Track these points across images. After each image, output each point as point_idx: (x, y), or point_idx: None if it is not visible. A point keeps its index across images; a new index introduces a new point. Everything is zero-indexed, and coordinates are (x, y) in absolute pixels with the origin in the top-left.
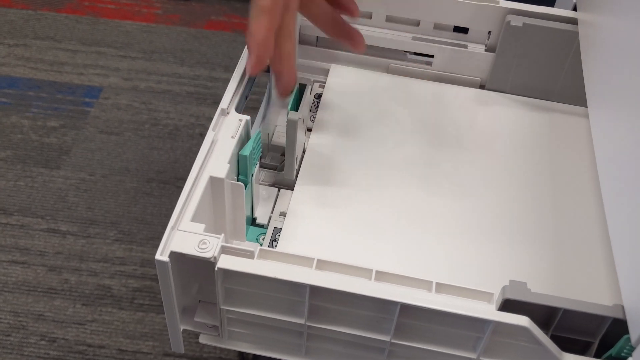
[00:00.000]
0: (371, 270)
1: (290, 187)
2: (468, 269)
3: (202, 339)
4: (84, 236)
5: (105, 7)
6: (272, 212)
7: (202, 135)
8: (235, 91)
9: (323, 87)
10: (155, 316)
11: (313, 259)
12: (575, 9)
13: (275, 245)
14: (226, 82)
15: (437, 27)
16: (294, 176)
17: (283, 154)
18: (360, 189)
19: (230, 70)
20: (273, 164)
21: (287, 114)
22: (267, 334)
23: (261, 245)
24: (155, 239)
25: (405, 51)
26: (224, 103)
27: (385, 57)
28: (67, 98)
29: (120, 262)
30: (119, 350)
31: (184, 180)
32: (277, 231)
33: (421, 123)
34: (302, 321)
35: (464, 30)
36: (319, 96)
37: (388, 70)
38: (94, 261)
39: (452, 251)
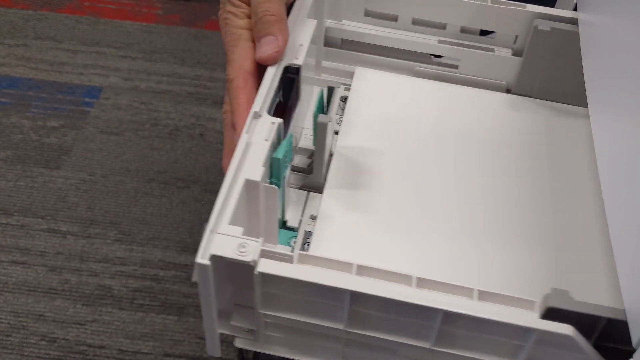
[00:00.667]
0: (411, 276)
1: (319, 190)
2: (508, 274)
3: (238, 343)
4: (84, 236)
5: (106, 7)
6: (302, 215)
7: (202, 136)
8: (266, 94)
9: (348, 89)
10: (156, 316)
11: (353, 264)
12: (575, 9)
13: (307, 249)
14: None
15: (464, 30)
16: (323, 179)
17: (310, 157)
18: (389, 191)
19: None
20: (300, 166)
21: (317, 117)
22: (305, 338)
23: (292, 248)
24: (155, 239)
25: (430, 54)
26: (256, 106)
27: (411, 60)
28: (67, 98)
29: (121, 263)
30: (119, 350)
31: (184, 180)
32: (308, 234)
33: (447, 126)
34: (341, 326)
35: (489, 32)
36: (344, 99)
37: (413, 73)
38: (94, 261)
39: (490, 255)
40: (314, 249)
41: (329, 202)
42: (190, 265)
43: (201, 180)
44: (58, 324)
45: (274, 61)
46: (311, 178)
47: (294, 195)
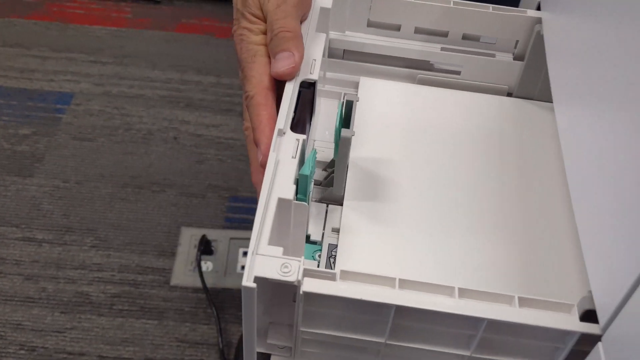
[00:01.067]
0: (454, 287)
1: (339, 202)
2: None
3: None
4: (60, 244)
5: (74, 12)
6: (324, 229)
7: (176, 139)
8: (288, 111)
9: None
10: (135, 321)
11: (395, 278)
12: (539, 8)
13: (333, 262)
14: (198, 84)
15: (465, 37)
16: (343, 192)
17: (325, 169)
18: (407, 201)
19: (203, 72)
20: (318, 179)
21: (339, 131)
22: (342, 353)
23: (318, 262)
24: (132, 244)
25: (430, 62)
26: (280, 124)
27: (414, 68)
28: (39, 105)
29: (98, 269)
30: (99, 356)
31: (159, 184)
32: (332, 247)
33: (455, 132)
34: (382, 340)
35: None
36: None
37: (417, 81)
38: (71, 268)
39: (494, 254)
40: (341, 263)
41: (350, 215)
42: (169, 269)
43: (176, 184)
44: (37, 332)
45: (290, 77)
46: (331, 191)
47: (313, 208)
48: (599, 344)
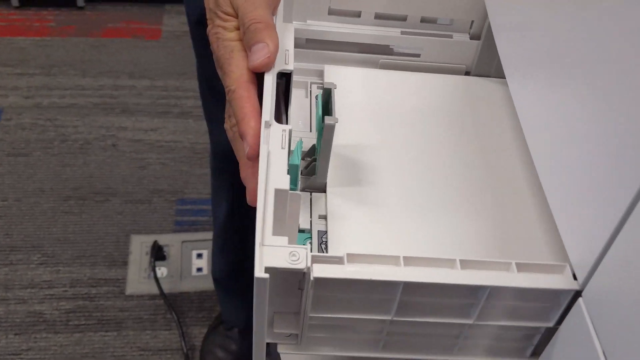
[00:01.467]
0: (455, 259)
1: (321, 189)
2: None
3: (281, 349)
4: (5, 264)
5: None
6: (311, 217)
7: (115, 146)
8: (271, 102)
9: (321, 88)
10: (94, 335)
11: (399, 256)
12: None
13: (325, 248)
14: (132, 88)
15: (424, 20)
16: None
17: (304, 158)
18: (386, 181)
19: (135, 76)
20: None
21: (321, 119)
22: (347, 334)
23: (310, 249)
24: (81, 257)
25: (390, 46)
26: (265, 116)
27: (375, 54)
28: None
29: (49, 286)
30: None
31: (102, 194)
32: (322, 234)
33: (419, 113)
34: (389, 317)
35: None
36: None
37: (379, 66)
38: (20, 288)
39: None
40: (334, 248)
41: (334, 201)
42: (122, 279)
43: (119, 192)
44: None
45: (267, 67)
46: (314, 179)
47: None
48: (580, 300)
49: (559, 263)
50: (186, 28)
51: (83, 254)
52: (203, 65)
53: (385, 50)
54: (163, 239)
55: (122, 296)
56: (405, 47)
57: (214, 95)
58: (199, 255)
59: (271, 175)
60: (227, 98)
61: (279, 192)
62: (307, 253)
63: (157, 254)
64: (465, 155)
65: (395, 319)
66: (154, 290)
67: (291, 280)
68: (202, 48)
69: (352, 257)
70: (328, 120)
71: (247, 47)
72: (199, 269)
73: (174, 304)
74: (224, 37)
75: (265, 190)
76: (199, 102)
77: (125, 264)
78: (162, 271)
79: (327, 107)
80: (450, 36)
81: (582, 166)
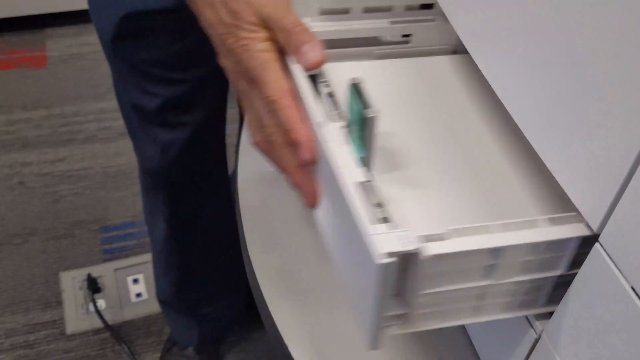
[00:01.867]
0: (536, 219)
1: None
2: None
3: (392, 330)
4: None
5: None
6: None
7: (23, 183)
8: (315, 103)
9: (326, 85)
10: None
11: (489, 224)
12: None
13: None
14: (29, 121)
15: (409, 7)
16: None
17: None
18: (419, 164)
19: (29, 108)
20: None
21: (358, 113)
22: (448, 306)
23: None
24: (11, 305)
25: (380, 37)
26: (317, 117)
27: (368, 46)
28: None
29: None
30: None
31: (20, 235)
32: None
33: (426, 95)
34: (494, 282)
35: (429, 6)
36: (331, 95)
37: (374, 57)
38: None
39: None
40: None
41: (383, 188)
42: (60, 320)
43: (38, 230)
44: None
45: (322, 64)
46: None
47: None
48: (596, 245)
49: (570, 214)
50: (74, 50)
51: (12, 301)
52: (125, 83)
53: (376, 41)
54: (94, 271)
55: (63, 337)
56: (396, 35)
57: (137, 112)
58: (135, 281)
59: (343, 171)
60: (267, 108)
61: (361, 185)
62: (413, 234)
63: (92, 286)
64: (476, 131)
65: (494, 282)
66: (97, 324)
67: (404, 263)
68: (122, 66)
69: (452, 233)
70: (370, 113)
71: (294, 50)
72: (138, 294)
73: (120, 334)
74: (254, 48)
75: (347, 184)
76: (103, 125)
77: (59, 303)
78: (100, 303)
79: (359, 101)
80: (434, 20)
81: (576, 117)
